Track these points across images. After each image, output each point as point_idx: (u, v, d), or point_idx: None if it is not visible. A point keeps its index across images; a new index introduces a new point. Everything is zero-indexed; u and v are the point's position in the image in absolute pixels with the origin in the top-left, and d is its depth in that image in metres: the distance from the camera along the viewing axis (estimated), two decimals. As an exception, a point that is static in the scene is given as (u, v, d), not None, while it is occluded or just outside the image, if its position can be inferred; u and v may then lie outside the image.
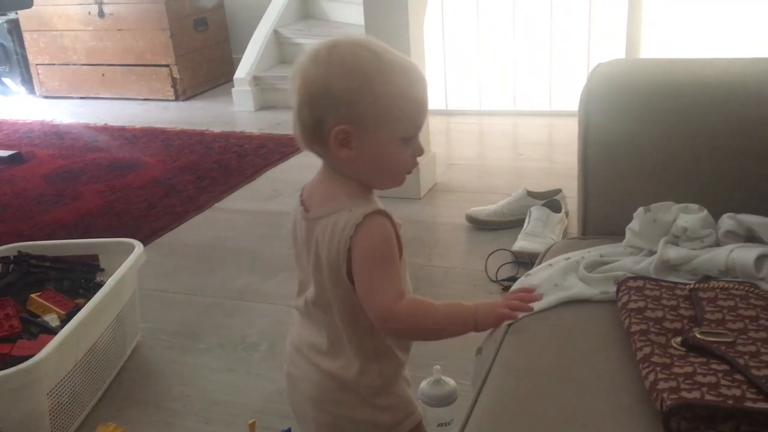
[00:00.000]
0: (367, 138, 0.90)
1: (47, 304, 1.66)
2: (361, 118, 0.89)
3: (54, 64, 4.42)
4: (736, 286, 0.95)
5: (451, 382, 1.35)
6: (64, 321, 1.58)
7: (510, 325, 1.01)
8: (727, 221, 1.06)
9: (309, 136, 0.93)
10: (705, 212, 1.07)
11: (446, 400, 1.32)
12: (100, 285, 1.67)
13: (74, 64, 4.36)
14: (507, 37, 3.35)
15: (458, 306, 0.96)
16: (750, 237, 1.05)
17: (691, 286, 0.97)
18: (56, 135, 3.69)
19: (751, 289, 0.95)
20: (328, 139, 0.90)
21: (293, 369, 1.05)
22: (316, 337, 0.99)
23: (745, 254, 0.99)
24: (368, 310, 0.93)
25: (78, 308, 1.57)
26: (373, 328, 0.95)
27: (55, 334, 1.47)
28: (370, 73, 0.89)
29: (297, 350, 1.03)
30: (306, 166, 1.00)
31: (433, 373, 1.34)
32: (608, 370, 0.88)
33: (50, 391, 1.42)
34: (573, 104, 1.32)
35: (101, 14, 4.17)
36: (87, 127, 3.79)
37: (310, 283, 0.98)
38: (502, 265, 2.00)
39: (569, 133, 1.30)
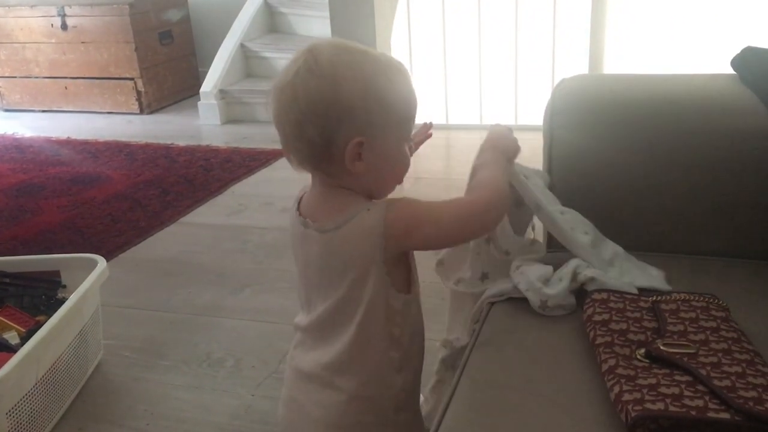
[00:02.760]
0: (377, 146, 0.86)
1: (7, 321, 1.63)
2: (374, 126, 0.85)
3: (16, 77, 4.34)
4: (697, 298, 0.97)
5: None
6: (25, 339, 1.55)
7: (476, 338, 1.02)
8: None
9: (317, 156, 0.86)
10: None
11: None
12: (61, 301, 1.64)
13: (36, 77, 4.30)
14: (473, 52, 3.39)
15: (486, 166, 0.98)
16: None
17: (654, 299, 0.98)
18: (17, 149, 3.62)
19: (712, 301, 0.97)
20: (342, 155, 0.85)
21: (298, 394, 0.98)
22: (332, 355, 0.93)
23: None
24: (466, 231, 0.93)
25: (39, 325, 1.54)
26: (400, 337, 0.92)
27: (15, 352, 1.44)
28: (374, 77, 0.84)
29: (305, 375, 0.97)
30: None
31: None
32: (574, 383, 0.88)
33: (9, 411, 1.38)
34: (538, 119, 1.34)
35: (64, 27, 4.12)
36: (49, 140, 3.73)
37: (325, 298, 0.92)
38: (469, 279, 2.00)
39: (535, 147, 1.32)
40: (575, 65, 3.18)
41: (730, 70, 1.29)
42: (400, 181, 0.93)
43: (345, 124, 0.84)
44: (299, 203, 0.96)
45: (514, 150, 1.05)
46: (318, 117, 0.83)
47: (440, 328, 1.25)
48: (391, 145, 0.88)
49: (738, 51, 1.31)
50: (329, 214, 0.90)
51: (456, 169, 3.11)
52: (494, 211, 0.93)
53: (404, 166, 0.92)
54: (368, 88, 0.84)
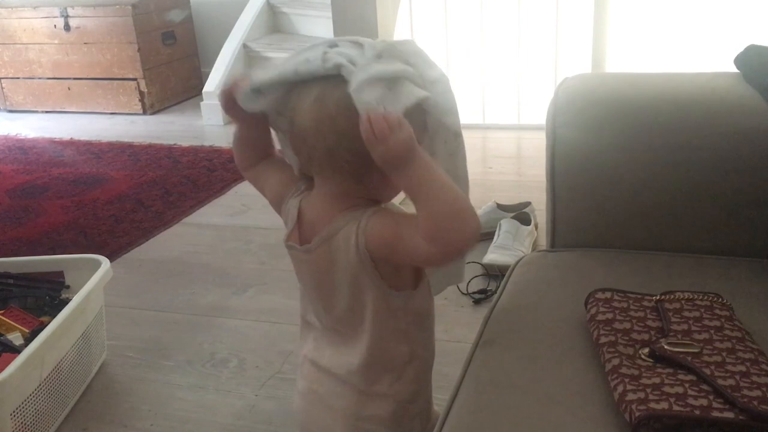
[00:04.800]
0: None
1: (11, 322, 1.63)
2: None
3: (19, 78, 4.35)
4: (701, 297, 0.97)
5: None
6: (29, 339, 1.55)
7: (480, 338, 1.02)
8: None
9: (357, 172, 0.87)
10: None
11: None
12: (65, 302, 1.64)
13: (39, 78, 4.31)
14: (476, 52, 3.38)
15: (422, 195, 0.82)
16: None
17: (658, 298, 0.98)
18: (20, 150, 3.63)
19: (716, 300, 0.97)
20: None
21: (318, 386, 1.01)
22: (349, 356, 0.96)
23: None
24: (434, 258, 0.86)
25: (42, 326, 1.55)
26: (406, 329, 0.94)
27: (19, 352, 1.44)
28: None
29: (323, 369, 1.00)
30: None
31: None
32: (577, 382, 0.88)
33: (13, 412, 1.39)
34: (541, 118, 1.34)
35: (67, 27, 4.13)
36: (52, 141, 3.74)
37: (332, 305, 0.96)
38: (473, 278, 2.01)
39: (537, 147, 1.31)
40: (578, 64, 3.18)
41: (733, 69, 1.29)
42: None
43: None
44: (298, 212, 0.96)
45: (405, 147, 0.80)
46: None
47: (442, 328, 1.25)
48: None
49: (741, 49, 1.31)
50: (329, 220, 0.91)
51: (459, 168, 3.11)
52: (473, 239, 0.84)
53: None
54: None
